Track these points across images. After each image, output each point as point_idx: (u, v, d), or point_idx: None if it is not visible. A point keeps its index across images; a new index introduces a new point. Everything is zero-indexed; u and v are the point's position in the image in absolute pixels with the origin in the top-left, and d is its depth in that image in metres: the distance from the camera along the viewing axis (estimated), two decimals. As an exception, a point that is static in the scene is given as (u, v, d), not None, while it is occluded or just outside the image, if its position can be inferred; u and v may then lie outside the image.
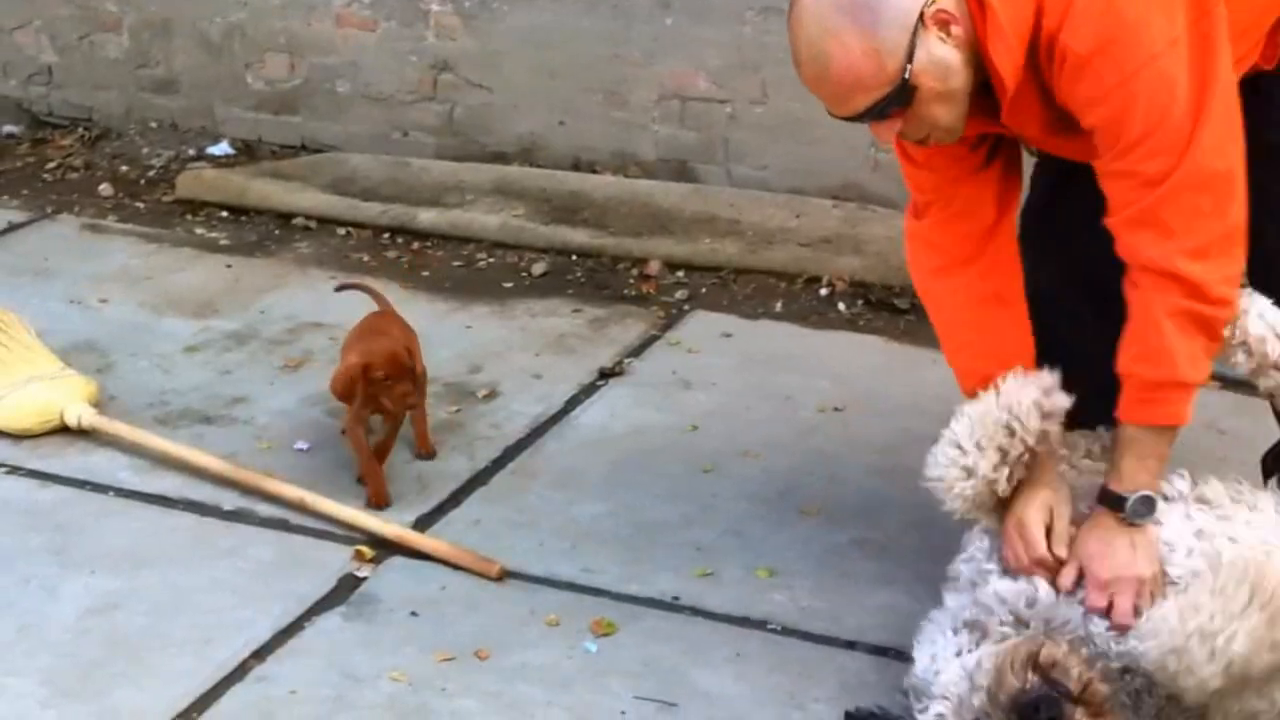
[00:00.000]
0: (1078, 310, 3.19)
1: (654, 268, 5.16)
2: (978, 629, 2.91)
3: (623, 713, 3.14)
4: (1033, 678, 2.73)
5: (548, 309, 4.98)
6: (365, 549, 3.65)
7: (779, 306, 4.94)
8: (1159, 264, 2.75)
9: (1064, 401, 2.98)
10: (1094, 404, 2.97)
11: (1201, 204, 2.70)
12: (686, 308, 4.96)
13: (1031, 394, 2.97)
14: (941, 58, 2.71)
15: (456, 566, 3.58)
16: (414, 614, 3.44)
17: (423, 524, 3.77)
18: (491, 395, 4.40)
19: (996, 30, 2.70)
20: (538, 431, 4.21)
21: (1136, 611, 2.84)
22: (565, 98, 5.72)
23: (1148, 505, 2.84)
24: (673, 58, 5.51)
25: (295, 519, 3.79)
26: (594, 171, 5.72)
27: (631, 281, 5.14)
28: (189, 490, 3.91)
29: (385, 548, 3.66)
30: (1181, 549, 2.85)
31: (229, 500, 3.87)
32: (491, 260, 5.37)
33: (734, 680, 3.23)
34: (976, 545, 3.11)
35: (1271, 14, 2.95)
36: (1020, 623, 2.91)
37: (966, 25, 2.72)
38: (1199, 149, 2.67)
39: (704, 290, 5.06)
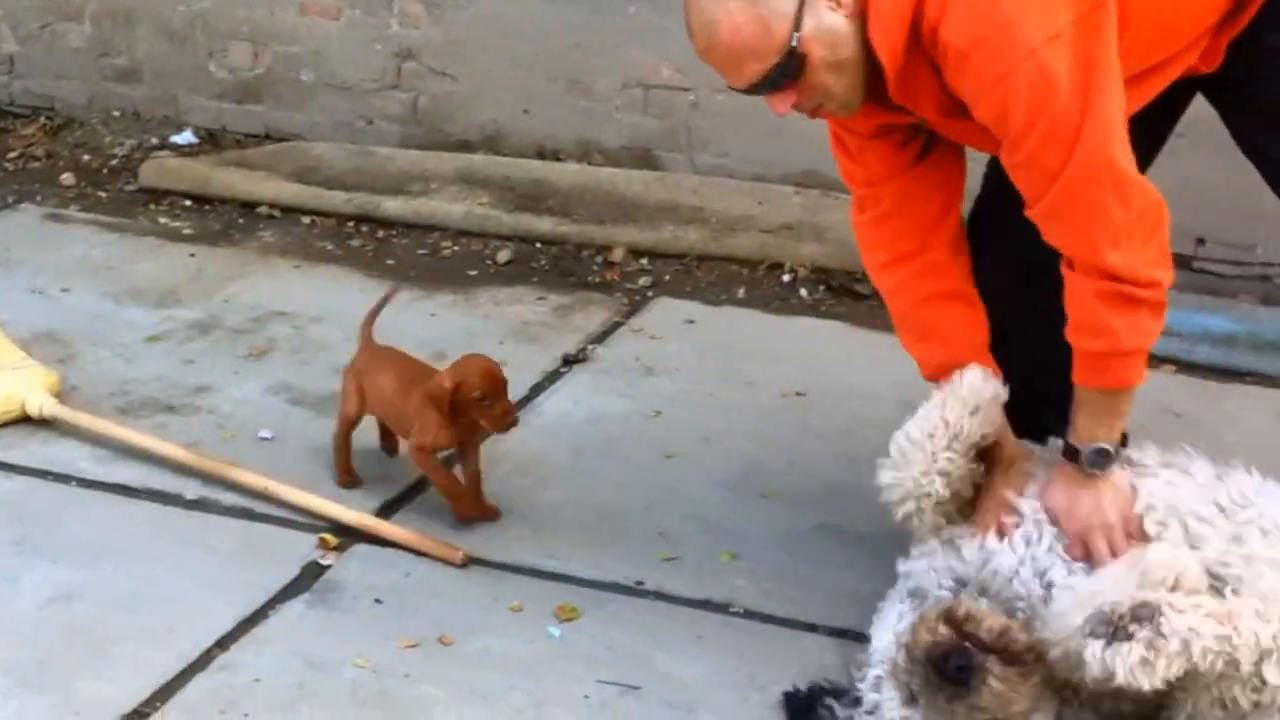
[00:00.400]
0: (1027, 296, 3.16)
1: (618, 255, 5.16)
2: (919, 595, 2.96)
3: (586, 697, 3.14)
4: (944, 630, 2.77)
5: (512, 297, 4.97)
6: (329, 537, 3.64)
7: (741, 293, 4.95)
8: (1082, 257, 2.77)
9: (998, 395, 3.02)
10: (1051, 383, 3.00)
11: (1102, 196, 2.70)
12: (650, 294, 4.95)
13: (957, 407, 3.03)
14: (830, 25, 2.71)
15: (420, 553, 3.58)
16: (378, 601, 3.43)
17: (387, 511, 3.76)
18: (455, 383, 4.39)
19: (877, 8, 2.70)
20: (501, 419, 4.20)
21: (1114, 553, 2.89)
22: (529, 86, 5.71)
23: (1103, 456, 2.89)
24: (636, 46, 5.50)
25: (259, 507, 3.77)
26: (558, 160, 5.71)
27: (595, 269, 5.14)
28: (151, 479, 3.89)
29: (349, 535, 3.65)
30: (1160, 509, 2.90)
31: (191, 489, 3.85)
32: (456, 248, 5.35)
33: (696, 663, 3.23)
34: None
35: (1208, 17, 2.92)
36: (960, 584, 2.96)
37: None
38: (1089, 141, 2.66)
39: (667, 277, 5.06)
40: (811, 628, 3.35)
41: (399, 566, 3.54)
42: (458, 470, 3.72)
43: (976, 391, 3.04)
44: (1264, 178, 3.14)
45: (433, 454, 3.65)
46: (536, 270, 5.16)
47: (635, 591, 3.47)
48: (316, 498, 3.75)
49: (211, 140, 6.16)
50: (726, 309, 4.86)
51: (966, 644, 2.75)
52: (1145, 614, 2.63)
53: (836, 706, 2.97)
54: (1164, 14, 2.84)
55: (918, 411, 3.07)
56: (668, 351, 4.57)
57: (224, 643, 3.29)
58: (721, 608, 3.42)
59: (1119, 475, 2.93)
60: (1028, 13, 2.63)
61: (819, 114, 2.89)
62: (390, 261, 5.25)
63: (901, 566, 3.14)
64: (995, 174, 3.12)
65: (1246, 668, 2.66)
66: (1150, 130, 3.04)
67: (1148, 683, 2.61)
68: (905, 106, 2.87)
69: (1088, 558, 2.91)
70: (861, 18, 2.72)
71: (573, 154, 5.70)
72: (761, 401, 4.26)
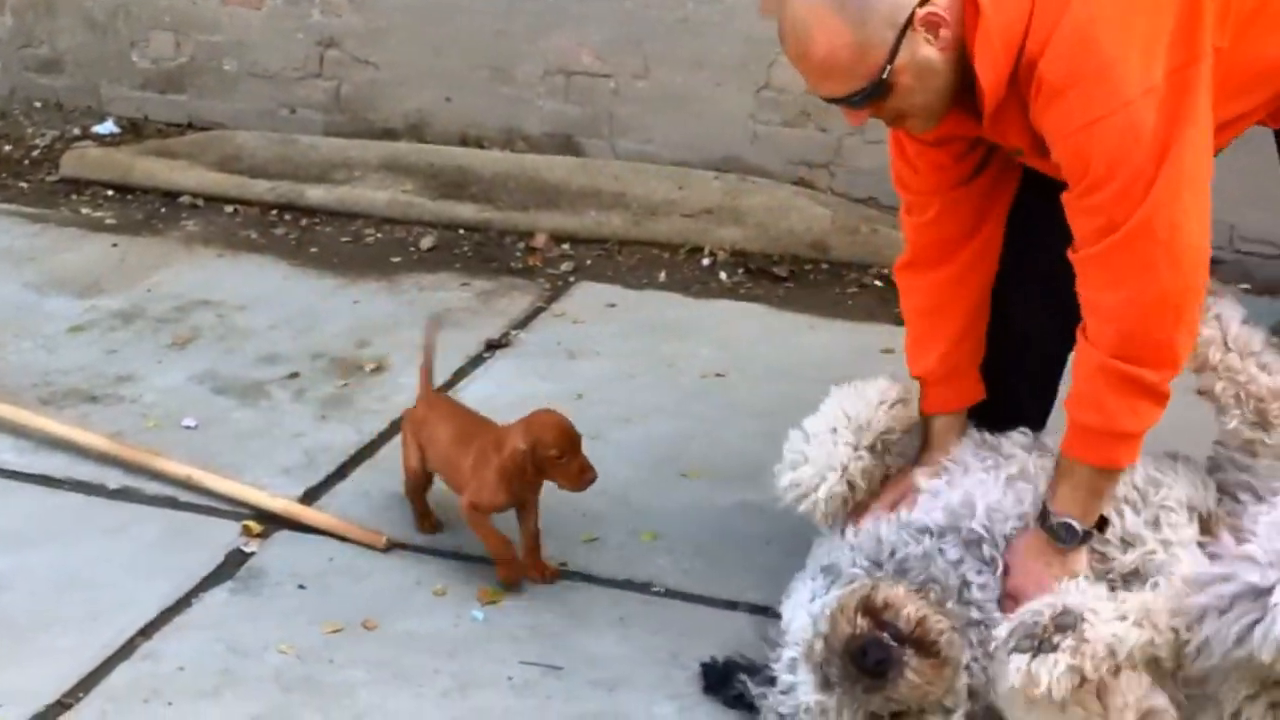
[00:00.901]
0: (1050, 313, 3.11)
1: (540, 240, 5.17)
2: (832, 572, 2.98)
3: (509, 678, 3.16)
4: (863, 622, 2.79)
5: (436, 283, 4.97)
6: (252, 524, 3.64)
7: (663, 276, 4.97)
8: (1105, 311, 2.70)
9: (907, 395, 3.12)
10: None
11: (1155, 255, 2.63)
12: (572, 279, 4.97)
13: (859, 402, 3.12)
14: (925, 59, 2.65)
15: (344, 539, 3.58)
16: (301, 586, 3.43)
17: (310, 497, 3.76)
18: (379, 369, 4.39)
19: (986, 40, 2.63)
20: (425, 404, 4.21)
21: None
22: (452, 74, 5.70)
23: (1070, 534, 2.81)
24: (557, 33, 5.51)
25: (182, 496, 3.76)
26: (481, 147, 5.70)
27: (518, 254, 5.15)
28: (74, 470, 3.87)
29: (272, 522, 3.65)
30: None
31: (114, 479, 3.83)
32: (380, 236, 5.35)
33: (618, 642, 3.26)
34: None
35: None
36: (875, 564, 2.97)
37: (957, 29, 2.64)
38: (1158, 199, 2.60)
39: (589, 262, 5.08)
40: (732, 605, 3.38)
41: (322, 552, 3.55)
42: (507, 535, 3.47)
43: (882, 390, 3.12)
44: None
45: (487, 514, 3.43)
46: (460, 256, 5.16)
47: (558, 573, 3.49)
48: (240, 485, 3.74)
49: (134, 130, 6.11)
50: (648, 292, 4.88)
51: (884, 636, 2.76)
52: (1068, 622, 2.63)
53: (750, 683, 3.00)
54: (1247, 71, 2.77)
55: (820, 407, 3.14)
56: (590, 335, 4.59)
57: (148, 631, 3.28)
58: (643, 587, 3.44)
59: (1082, 558, 2.85)
60: (1129, 60, 2.57)
61: (897, 126, 2.87)
62: (314, 249, 5.23)
63: (817, 542, 3.18)
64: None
65: (1169, 663, 2.71)
66: None
67: (1069, 688, 2.61)
68: (992, 135, 2.82)
69: None
70: (959, 50, 2.66)
71: (496, 141, 5.70)
72: (682, 383, 4.29)
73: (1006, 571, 2.90)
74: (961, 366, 3.14)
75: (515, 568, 3.42)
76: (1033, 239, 3.06)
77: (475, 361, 4.44)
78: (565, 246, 5.17)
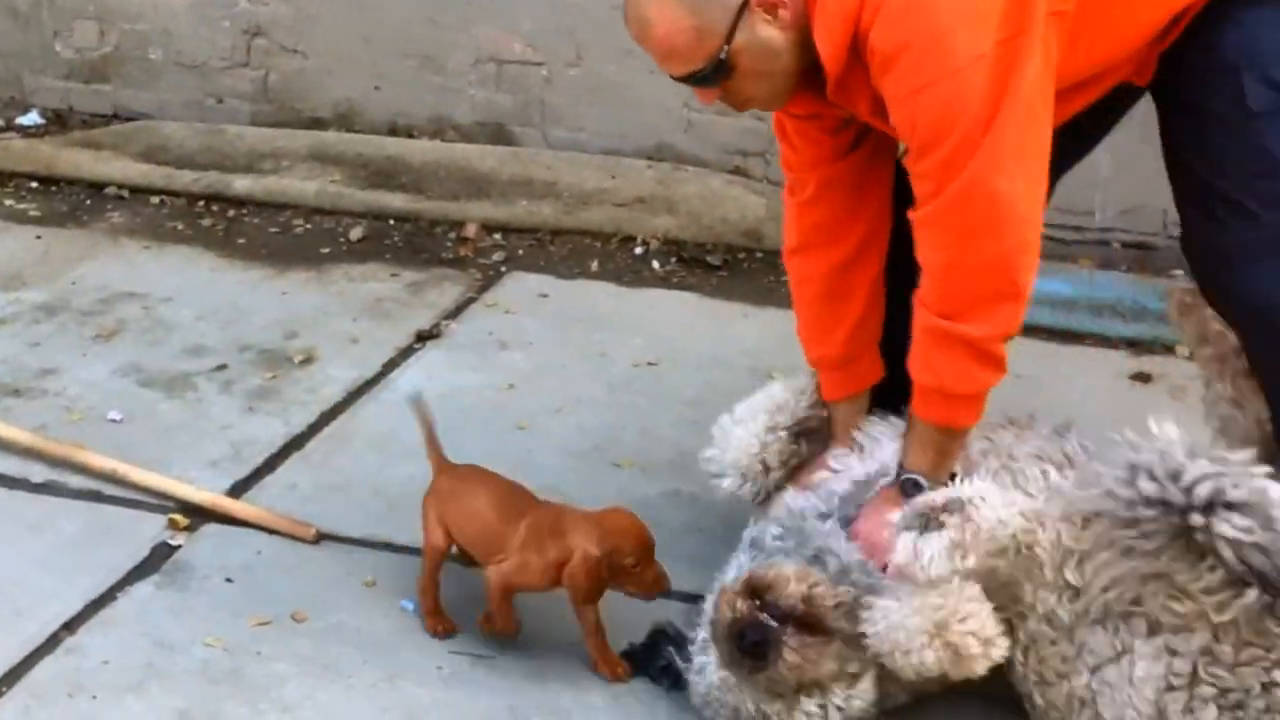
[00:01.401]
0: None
1: (471, 230, 5.12)
2: (757, 546, 2.99)
3: (439, 668, 3.12)
4: (743, 605, 2.80)
5: (365, 274, 4.91)
6: (179, 517, 3.58)
7: (595, 266, 4.94)
8: (931, 271, 2.78)
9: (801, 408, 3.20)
10: None
11: (975, 221, 2.70)
12: (504, 269, 4.93)
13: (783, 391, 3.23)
14: (765, 39, 2.71)
15: (272, 531, 3.53)
16: (229, 580, 3.38)
17: (238, 490, 3.71)
18: (308, 360, 4.34)
19: (824, 15, 2.69)
20: (354, 395, 4.16)
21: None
22: (381, 62, 5.64)
23: (916, 489, 2.88)
24: (488, 21, 5.46)
25: (107, 490, 3.70)
26: (411, 136, 5.65)
27: (449, 245, 5.10)
28: (-4, 464, 3.80)
29: (199, 515, 3.59)
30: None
31: (38, 473, 3.76)
32: (308, 226, 5.28)
33: (548, 631, 3.21)
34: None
35: (1144, 32, 2.89)
36: (792, 536, 3.00)
37: (798, 7, 2.70)
38: (978, 167, 2.65)
39: (521, 252, 5.03)
40: (664, 593, 3.35)
41: (250, 545, 3.49)
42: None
43: (808, 381, 3.20)
44: (1170, 177, 3.10)
45: (515, 593, 3.15)
46: (390, 247, 5.11)
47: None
48: (165, 478, 3.69)
49: (58, 121, 6.01)
50: (580, 282, 4.85)
51: (762, 617, 2.77)
52: (956, 505, 2.68)
53: (676, 657, 3.00)
54: (1108, 29, 2.81)
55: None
56: (521, 325, 4.55)
57: (71, 625, 3.22)
58: (574, 577, 3.41)
59: None
60: (958, 28, 2.62)
61: (746, 107, 2.92)
62: (241, 240, 5.17)
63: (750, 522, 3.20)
64: None
65: (1050, 573, 2.71)
66: (1080, 133, 3.06)
67: (950, 568, 2.65)
68: (840, 104, 2.87)
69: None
70: (801, 28, 2.71)
71: (426, 130, 5.64)
72: (614, 372, 4.26)
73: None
74: (860, 349, 3.17)
75: (604, 661, 3.13)
76: None
77: (406, 353, 4.39)
78: (496, 236, 5.13)
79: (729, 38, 2.68)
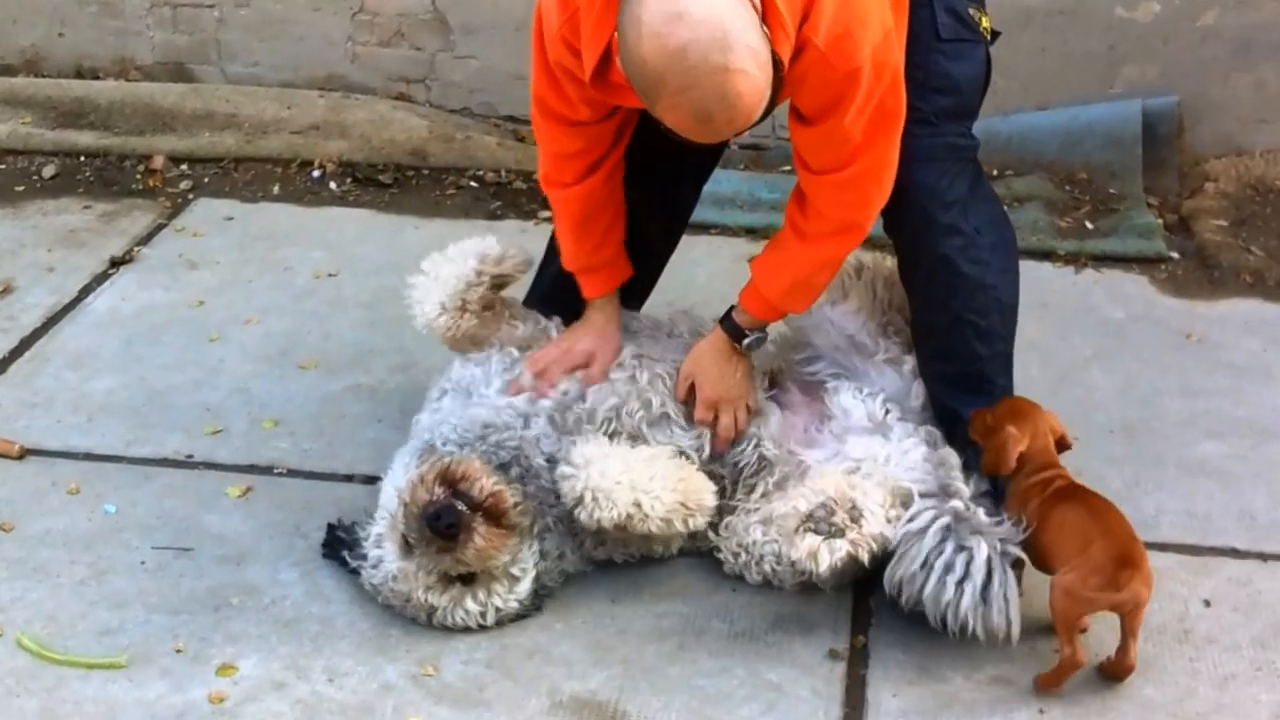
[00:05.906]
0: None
1: (159, 163, 4.95)
2: (429, 452, 3.00)
3: (142, 563, 3.08)
4: (440, 490, 2.83)
5: (59, 208, 4.71)
6: (-116, 444, 3.42)
7: (276, 189, 4.84)
8: (850, 222, 2.89)
9: (506, 263, 3.20)
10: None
11: (882, 188, 2.86)
12: (191, 197, 4.78)
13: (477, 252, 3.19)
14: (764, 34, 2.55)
15: (-23, 451, 3.41)
16: (-64, 498, 3.26)
17: (-58, 413, 3.56)
18: (6, 291, 4.15)
19: (781, 27, 2.56)
20: (53, 320, 4.01)
21: (737, 426, 3.04)
22: (61, 10, 5.38)
23: (760, 344, 3.07)
24: (159, -33, 5.26)
25: None
26: (97, 78, 5.42)
27: (139, 177, 4.91)
28: None
29: (-97, 441, 3.44)
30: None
31: None
32: (2, 167, 5.02)
33: (243, 520, 3.22)
34: (456, 373, 3.21)
35: None
36: (465, 445, 3.00)
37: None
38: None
39: (207, 180, 4.89)
40: (348, 478, 3.38)
41: (-45, 465, 3.37)
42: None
43: (513, 243, 3.23)
44: None
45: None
46: (82, 182, 4.90)
47: (185, 464, 3.41)
48: None
49: None
50: (263, 205, 4.74)
51: (457, 504, 2.80)
52: (856, 516, 2.83)
53: (349, 556, 2.99)
54: None
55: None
56: (210, 247, 4.44)
57: None
58: (266, 470, 3.40)
59: (749, 363, 3.08)
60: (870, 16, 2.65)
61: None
62: (-65, 182, 4.89)
63: (416, 419, 3.19)
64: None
65: None
66: None
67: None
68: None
69: (710, 425, 3.04)
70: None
71: (110, 71, 5.42)
72: (298, 284, 4.21)
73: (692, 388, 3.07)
74: (612, 253, 3.19)
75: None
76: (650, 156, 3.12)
77: (101, 278, 4.25)
78: (183, 167, 4.96)
79: (776, 72, 2.52)
